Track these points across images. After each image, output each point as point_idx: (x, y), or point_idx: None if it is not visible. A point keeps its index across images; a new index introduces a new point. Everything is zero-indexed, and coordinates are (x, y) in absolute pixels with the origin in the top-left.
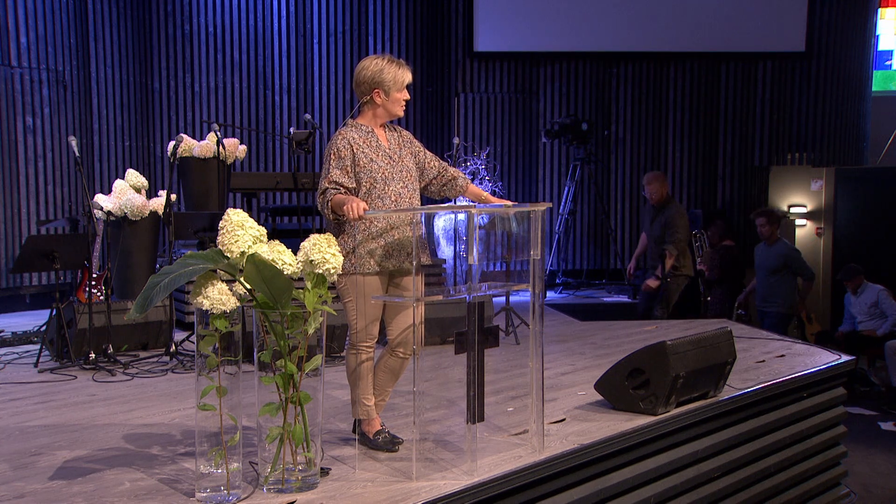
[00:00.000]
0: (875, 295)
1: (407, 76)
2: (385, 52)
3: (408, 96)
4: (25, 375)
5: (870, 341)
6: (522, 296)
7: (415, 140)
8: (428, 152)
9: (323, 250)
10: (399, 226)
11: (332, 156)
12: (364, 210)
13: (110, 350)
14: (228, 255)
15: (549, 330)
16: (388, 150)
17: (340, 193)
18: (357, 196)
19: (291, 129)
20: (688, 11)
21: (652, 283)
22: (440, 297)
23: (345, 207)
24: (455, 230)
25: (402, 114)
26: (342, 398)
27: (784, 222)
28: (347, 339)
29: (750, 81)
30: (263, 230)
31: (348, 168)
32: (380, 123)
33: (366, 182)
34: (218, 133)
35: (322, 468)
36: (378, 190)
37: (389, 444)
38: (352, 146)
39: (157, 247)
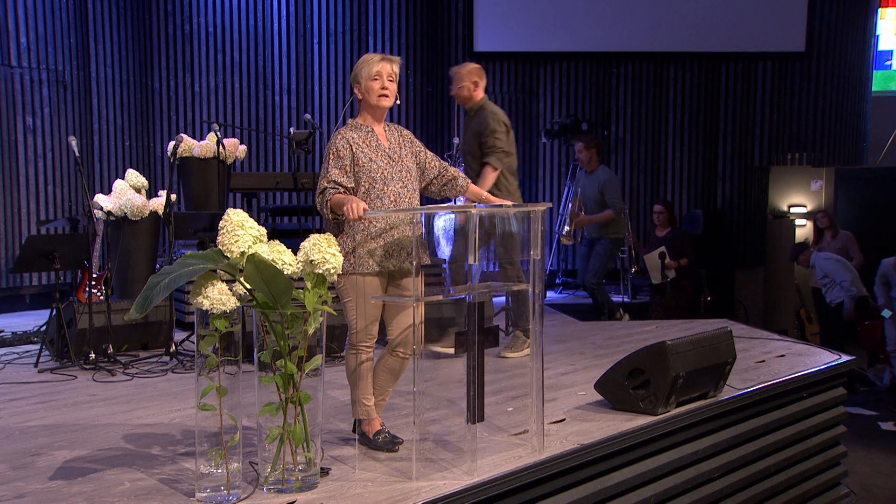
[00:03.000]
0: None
1: (378, 65)
2: (383, 52)
3: (386, 83)
4: (25, 375)
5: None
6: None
7: (415, 139)
8: (429, 152)
9: (323, 250)
10: (398, 225)
11: (331, 155)
12: (364, 210)
13: (110, 350)
14: (228, 255)
15: (549, 330)
16: (387, 150)
17: (339, 193)
18: (356, 196)
19: (291, 129)
20: (688, 11)
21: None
22: (440, 297)
23: (344, 207)
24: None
25: (384, 104)
26: (342, 398)
27: (784, 222)
28: (347, 339)
29: (750, 81)
30: (263, 230)
31: (347, 168)
32: (377, 121)
33: (365, 182)
34: (218, 133)
35: (322, 468)
36: (377, 190)
37: (389, 444)
38: (351, 146)
39: (157, 247)
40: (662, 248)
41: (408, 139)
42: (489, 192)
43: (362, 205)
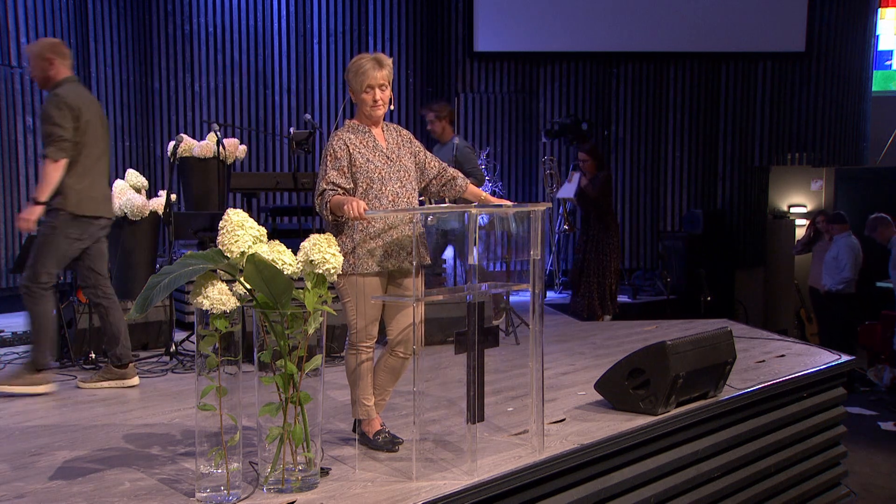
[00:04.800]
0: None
1: (370, 77)
2: (383, 52)
3: (377, 96)
4: None
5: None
6: (522, 296)
7: (415, 139)
8: (428, 152)
9: (323, 250)
10: (398, 225)
11: (329, 157)
12: (364, 209)
13: None
14: (228, 255)
15: (549, 330)
16: (385, 150)
17: (338, 194)
18: (354, 196)
19: (291, 129)
20: (688, 11)
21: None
22: (440, 297)
23: (345, 207)
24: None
25: (377, 114)
26: (342, 398)
27: (784, 222)
28: (347, 339)
29: (750, 81)
30: (263, 230)
31: (345, 169)
32: (374, 123)
33: (362, 182)
34: (218, 133)
35: (322, 468)
36: (375, 190)
37: (389, 444)
38: (348, 146)
39: (157, 247)
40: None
41: (406, 139)
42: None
43: (362, 204)
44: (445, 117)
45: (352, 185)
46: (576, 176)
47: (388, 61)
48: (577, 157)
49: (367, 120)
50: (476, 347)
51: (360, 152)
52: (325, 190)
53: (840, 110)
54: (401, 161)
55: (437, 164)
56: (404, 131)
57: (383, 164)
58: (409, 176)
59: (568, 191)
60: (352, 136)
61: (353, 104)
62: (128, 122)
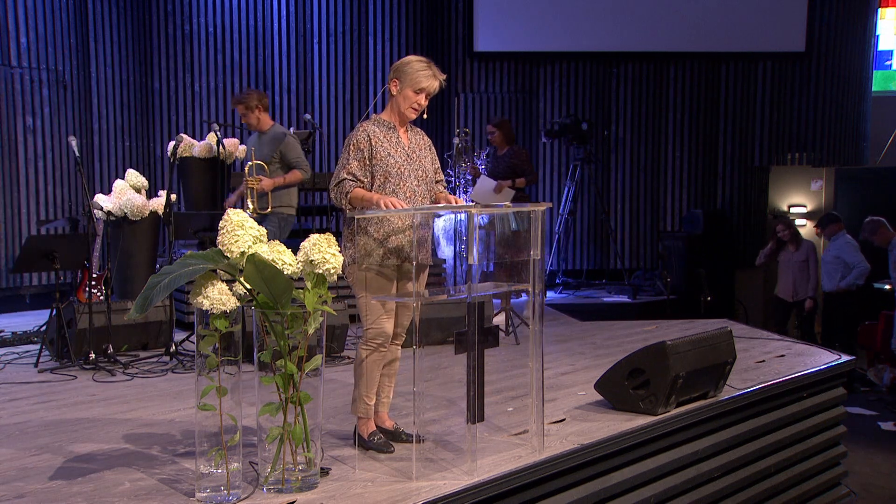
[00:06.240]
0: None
1: (427, 81)
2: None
3: (422, 102)
4: (25, 375)
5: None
6: (522, 296)
7: (433, 148)
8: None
9: (323, 250)
10: (412, 226)
11: (352, 147)
12: (398, 204)
13: (110, 350)
14: (228, 255)
15: (549, 330)
16: (406, 148)
17: (358, 186)
18: (371, 189)
19: (291, 129)
20: (688, 11)
21: None
22: (443, 297)
23: (379, 202)
24: (455, 230)
25: (411, 116)
26: (342, 398)
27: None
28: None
29: (750, 81)
30: (263, 230)
31: (365, 161)
32: (400, 121)
33: (379, 176)
34: (218, 133)
35: (322, 468)
36: (392, 184)
37: (384, 445)
38: (371, 139)
39: (157, 247)
40: (480, 170)
41: (427, 144)
42: None
43: (396, 200)
44: (257, 107)
45: (369, 179)
46: (484, 178)
47: (443, 77)
48: (487, 129)
49: (396, 117)
50: (476, 347)
51: (382, 146)
52: (344, 179)
53: (840, 110)
54: (420, 161)
55: (440, 173)
56: (426, 136)
57: (403, 161)
58: (427, 177)
59: (483, 193)
60: (376, 130)
61: (383, 97)
62: (128, 122)
